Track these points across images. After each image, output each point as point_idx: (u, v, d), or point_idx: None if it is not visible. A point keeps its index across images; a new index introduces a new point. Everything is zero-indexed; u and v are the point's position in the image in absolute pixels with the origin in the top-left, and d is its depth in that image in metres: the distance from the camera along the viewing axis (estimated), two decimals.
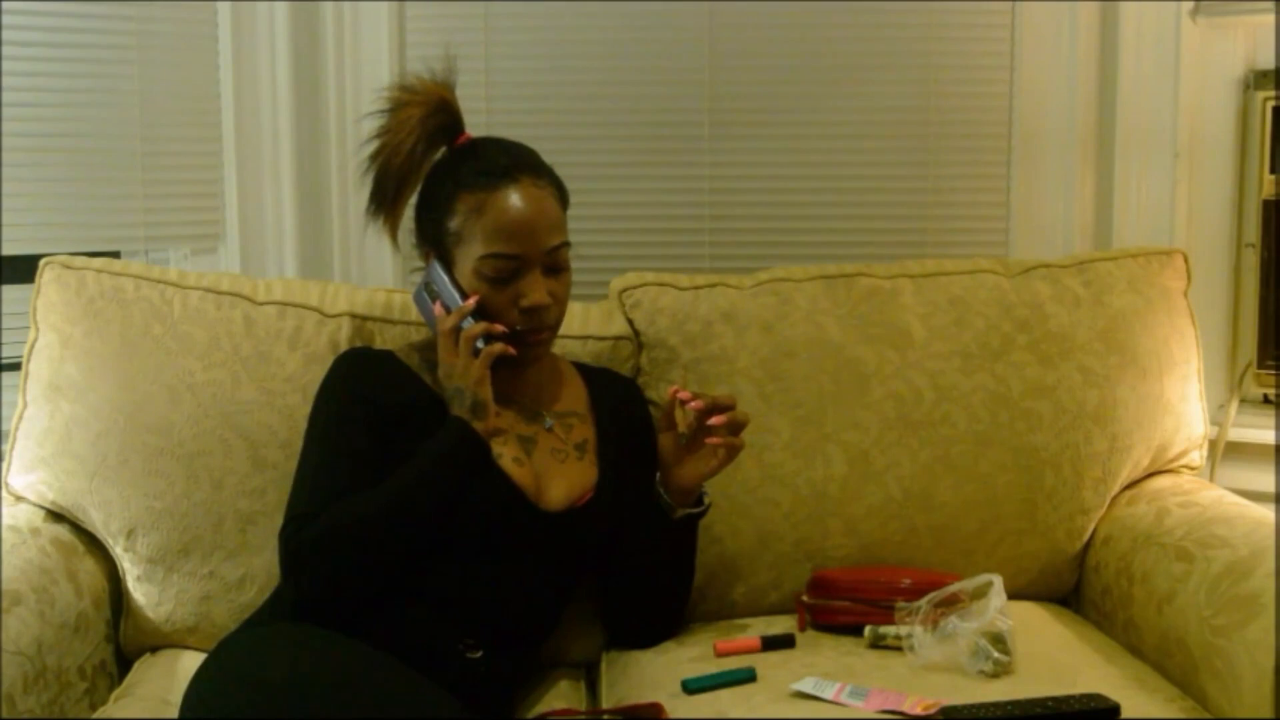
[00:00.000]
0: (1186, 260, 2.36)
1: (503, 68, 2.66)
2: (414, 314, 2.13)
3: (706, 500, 1.98)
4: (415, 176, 1.93)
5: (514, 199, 1.84)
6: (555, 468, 1.93)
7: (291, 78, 2.61)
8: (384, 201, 1.95)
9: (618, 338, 2.22)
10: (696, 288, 2.27)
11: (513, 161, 1.88)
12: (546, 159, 2.59)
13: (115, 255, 2.51)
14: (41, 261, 2.18)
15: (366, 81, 2.61)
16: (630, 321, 2.25)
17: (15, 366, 2.22)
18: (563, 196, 1.92)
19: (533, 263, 1.84)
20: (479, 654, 1.81)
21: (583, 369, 2.11)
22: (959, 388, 2.21)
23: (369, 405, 1.86)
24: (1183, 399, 2.31)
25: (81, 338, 2.12)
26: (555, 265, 1.87)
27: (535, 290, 1.84)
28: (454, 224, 1.86)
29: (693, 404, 1.88)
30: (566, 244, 1.88)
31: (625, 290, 2.27)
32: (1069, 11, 2.66)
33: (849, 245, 2.67)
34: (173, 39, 2.56)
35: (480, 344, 1.83)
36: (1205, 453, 2.38)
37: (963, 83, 2.70)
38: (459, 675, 1.77)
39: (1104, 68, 2.66)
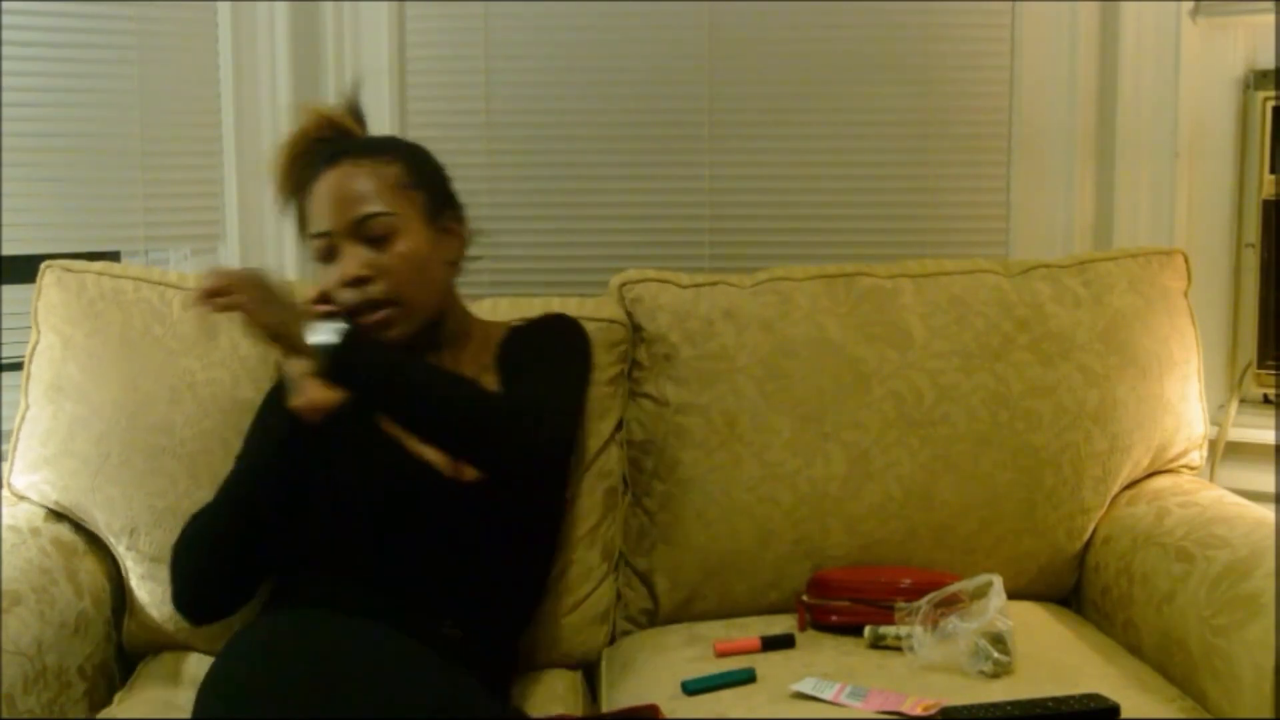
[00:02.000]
0: (1187, 260, 2.36)
1: (502, 67, 2.66)
2: None
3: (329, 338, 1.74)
4: (291, 185, 1.95)
5: (325, 180, 1.86)
6: None
7: (291, 78, 2.61)
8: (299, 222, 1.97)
9: (610, 320, 2.22)
10: (697, 285, 2.27)
11: (335, 150, 1.90)
12: (545, 157, 2.60)
13: (115, 255, 2.54)
14: (42, 265, 2.19)
15: (367, 82, 2.60)
16: (630, 314, 2.25)
17: (16, 366, 2.23)
18: (406, 170, 1.90)
19: (342, 235, 1.84)
20: (458, 631, 1.81)
21: (516, 329, 2.06)
22: (959, 387, 2.21)
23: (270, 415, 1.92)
24: (1183, 399, 2.31)
25: (83, 339, 2.14)
26: (372, 235, 1.84)
27: (349, 262, 1.83)
28: (305, 220, 1.92)
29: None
30: (384, 214, 1.85)
31: (625, 284, 2.28)
32: (1069, 11, 2.66)
33: (848, 245, 2.68)
34: (173, 39, 2.56)
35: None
36: (1205, 453, 2.38)
37: (963, 82, 2.70)
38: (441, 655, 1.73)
39: (1104, 68, 2.66)
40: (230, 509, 1.85)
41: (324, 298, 1.84)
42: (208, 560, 1.85)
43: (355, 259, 1.83)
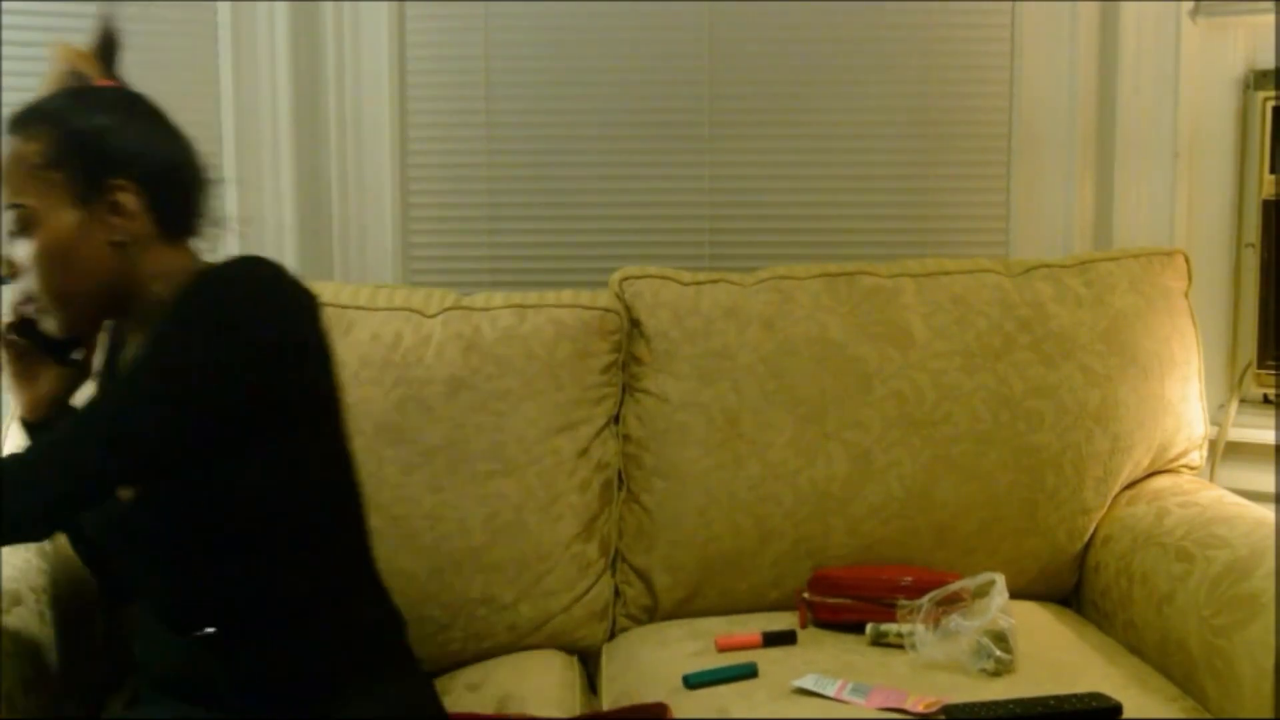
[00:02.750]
0: (1187, 260, 2.37)
1: (502, 67, 2.66)
2: (397, 303, 2.20)
3: None
4: None
5: None
6: None
7: (291, 78, 2.60)
8: None
9: (605, 309, 2.23)
10: (698, 283, 2.27)
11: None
12: (545, 156, 2.60)
13: None
14: None
15: (367, 82, 2.61)
16: (629, 309, 2.25)
17: None
18: (48, 146, 1.61)
19: None
20: (211, 630, 1.64)
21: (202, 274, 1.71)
22: (961, 387, 2.21)
23: None
24: (1183, 399, 2.31)
25: None
26: (14, 231, 1.59)
27: None
28: None
29: None
30: (13, 206, 1.59)
31: (625, 280, 2.28)
32: (1069, 11, 2.66)
33: (849, 244, 2.68)
34: (173, 39, 2.55)
35: None
36: (1205, 453, 2.39)
37: (963, 82, 2.70)
38: (193, 660, 1.65)
39: (1104, 68, 2.66)
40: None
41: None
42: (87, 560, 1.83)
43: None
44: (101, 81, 1.73)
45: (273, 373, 1.56)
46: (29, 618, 1.84)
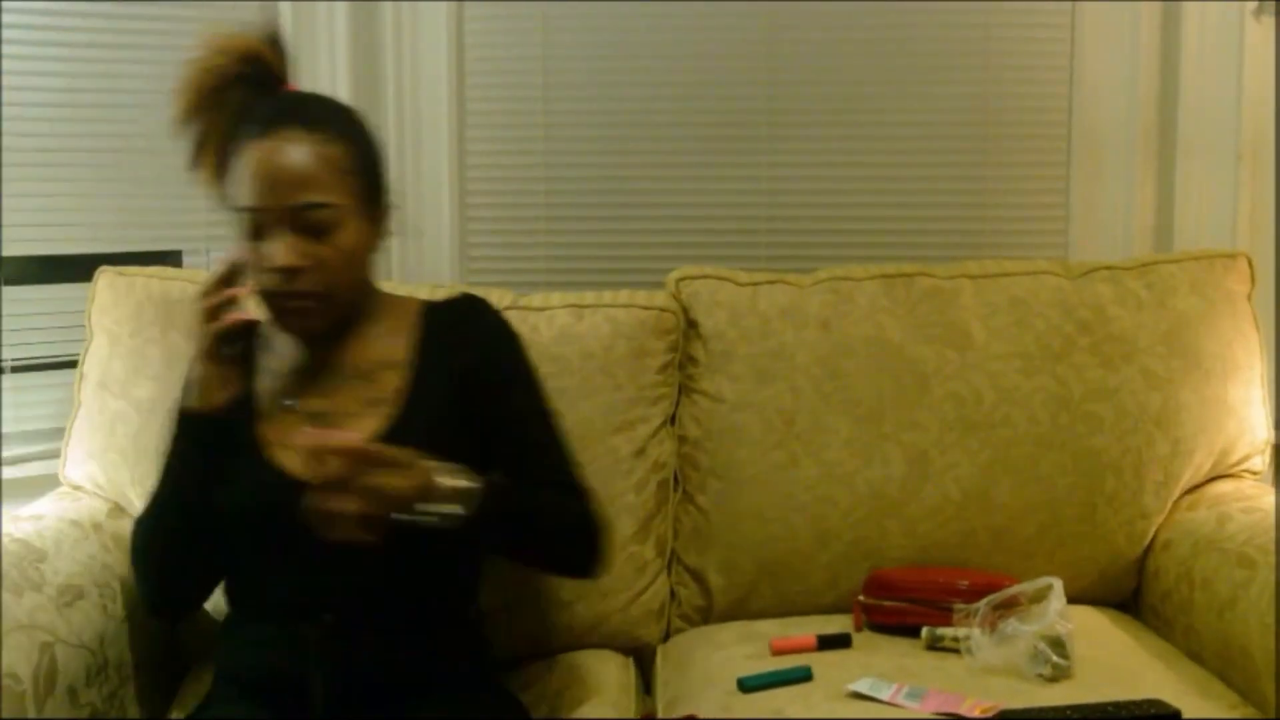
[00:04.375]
0: (1250, 263, 2.34)
1: (560, 68, 2.68)
2: None
3: (453, 510, 1.61)
4: (216, 128, 1.75)
5: (264, 149, 1.65)
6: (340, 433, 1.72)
7: (351, 78, 2.62)
8: (194, 153, 1.78)
9: (661, 309, 2.23)
10: (755, 284, 2.27)
11: (281, 111, 1.71)
12: (603, 157, 2.59)
13: (178, 254, 2.57)
14: (97, 270, 2.26)
15: (425, 82, 2.63)
16: (686, 309, 2.26)
17: (74, 364, 2.29)
18: (349, 153, 1.71)
19: (274, 219, 1.65)
20: (330, 618, 1.68)
21: (429, 309, 1.88)
22: (1019, 389, 2.20)
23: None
24: (1246, 403, 2.29)
25: (127, 338, 2.20)
26: (309, 226, 1.66)
27: (278, 251, 1.65)
28: (230, 180, 1.71)
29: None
30: (324, 205, 1.66)
31: (682, 280, 2.29)
32: (1130, 11, 2.64)
33: (906, 246, 2.67)
34: None
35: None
36: (1268, 458, 2.36)
37: (1022, 82, 2.69)
38: (320, 644, 1.68)
39: (1165, 67, 2.64)
40: (173, 514, 1.75)
41: (234, 271, 1.70)
42: (161, 564, 1.76)
43: (288, 248, 1.65)
44: (287, 85, 1.81)
45: None
46: (92, 611, 1.87)
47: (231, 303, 1.70)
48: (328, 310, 1.71)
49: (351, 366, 1.78)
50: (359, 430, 1.71)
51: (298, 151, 1.66)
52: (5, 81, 2.35)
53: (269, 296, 1.69)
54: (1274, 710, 1.79)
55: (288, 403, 1.77)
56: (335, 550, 1.55)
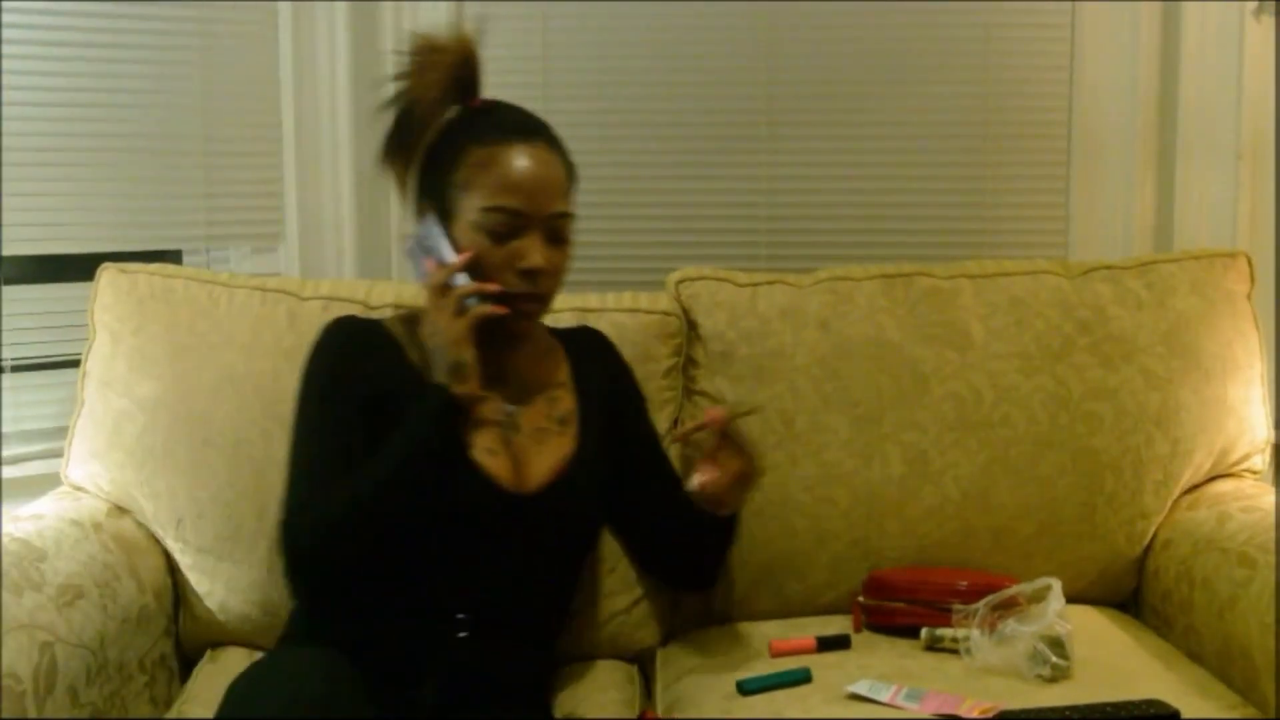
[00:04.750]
0: (1250, 263, 2.36)
1: (560, 67, 2.69)
2: None
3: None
4: (432, 127, 1.86)
5: (524, 155, 1.80)
6: (534, 448, 1.89)
7: (350, 78, 2.63)
8: (399, 148, 1.87)
9: (665, 313, 2.24)
10: (755, 285, 2.28)
11: (528, 123, 1.86)
12: (603, 156, 2.60)
13: (178, 254, 2.58)
14: (99, 267, 2.26)
15: None
16: (686, 311, 2.27)
17: (76, 363, 2.28)
18: (570, 173, 1.87)
19: (534, 223, 1.79)
20: (464, 634, 1.77)
21: (560, 336, 2.06)
22: (1019, 389, 2.21)
23: (359, 380, 1.82)
24: (1246, 403, 2.30)
25: (130, 336, 2.19)
26: (556, 234, 1.82)
27: (534, 252, 1.78)
28: (460, 175, 1.80)
29: (699, 478, 1.82)
30: (571, 215, 1.84)
31: (682, 281, 2.29)
32: (1130, 11, 2.65)
33: (906, 245, 2.68)
34: (234, 39, 2.58)
35: (469, 303, 1.77)
36: (1268, 457, 2.37)
37: (1022, 82, 2.70)
38: (450, 657, 1.75)
39: (1165, 68, 2.65)
40: (405, 491, 1.75)
41: (474, 266, 1.78)
42: (365, 536, 1.74)
43: (540, 251, 1.79)
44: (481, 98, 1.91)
45: None
46: (92, 611, 1.88)
47: (480, 295, 1.77)
48: (542, 313, 1.89)
49: (533, 382, 1.95)
50: (557, 446, 1.91)
51: (554, 163, 1.83)
52: (6, 81, 2.35)
53: (509, 296, 1.79)
54: (1274, 710, 1.79)
55: (510, 410, 1.89)
56: (491, 559, 1.77)
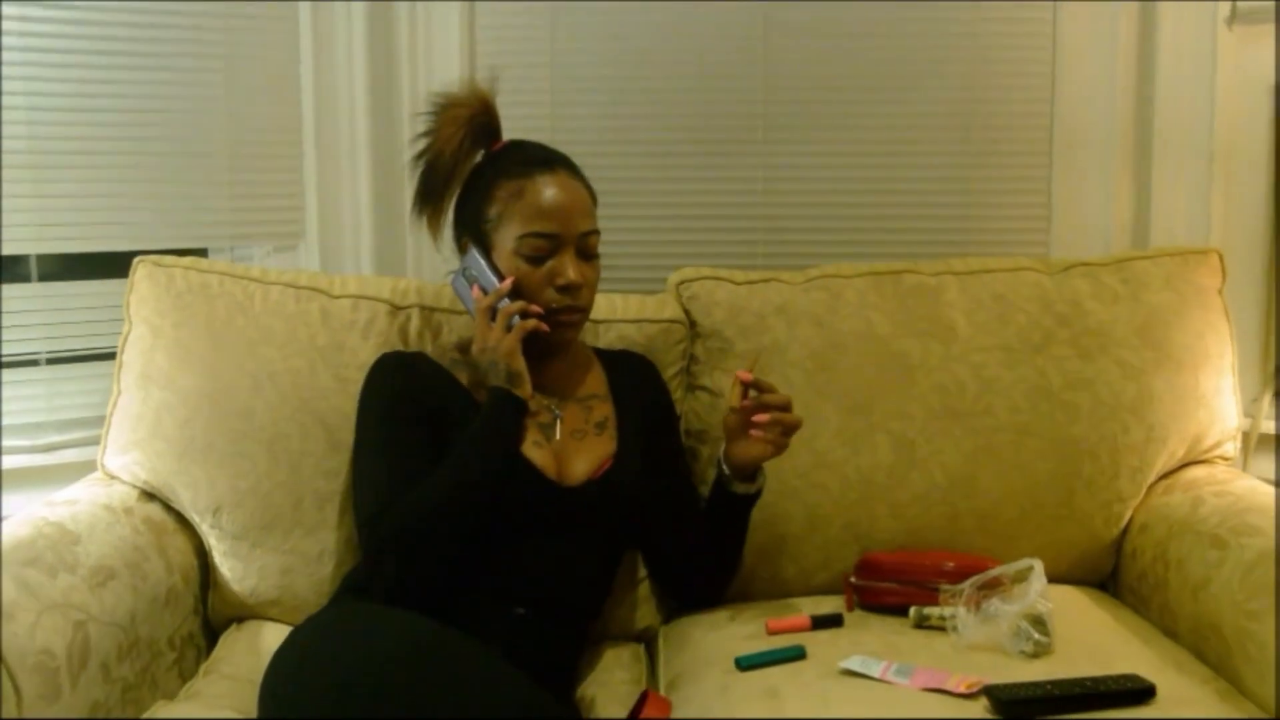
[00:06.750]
0: (1221, 259, 2.38)
1: (567, 65, 2.71)
2: None
3: (761, 480, 2.04)
4: (460, 173, 2.03)
5: (552, 184, 1.96)
6: (575, 446, 2.01)
7: (368, 79, 2.65)
8: (430, 197, 2.04)
9: (671, 321, 2.29)
10: (751, 283, 2.32)
11: (548, 154, 2.01)
12: (607, 158, 2.58)
13: (203, 252, 2.58)
14: (135, 260, 2.27)
15: (438, 82, 2.57)
16: (687, 311, 2.31)
17: (108, 356, 2.31)
18: (592, 194, 2.03)
19: (567, 243, 1.95)
20: (522, 611, 1.89)
21: (602, 355, 2.18)
22: (1001, 380, 2.25)
23: (414, 402, 1.96)
24: (1217, 392, 2.32)
25: (170, 329, 2.21)
26: (587, 250, 1.98)
27: (570, 269, 1.95)
28: (494, 210, 1.96)
29: (744, 403, 1.96)
30: (597, 232, 2.00)
31: (682, 283, 2.33)
32: (1109, 15, 2.66)
33: (896, 243, 2.70)
34: (257, 41, 2.60)
35: (515, 320, 1.93)
36: (1239, 444, 2.39)
37: (1005, 86, 2.71)
38: (508, 634, 1.85)
39: (1142, 71, 2.66)
40: (465, 495, 1.87)
41: (515, 289, 1.95)
42: (440, 550, 1.86)
43: (574, 268, 1.95)
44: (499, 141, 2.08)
45: None
46: (123, 591, 1.92)
47: (524, 313, 1.94)
48: (583, 322, 2.03)
49: (569, 390, 2.07)
50: (597, 445, 2.03)
51: (577, 187, 1.99)
52: (40, 88, 2.37)
53: (550, 312, 1.95)
54: (1244, 686, 1.82)
55: (557, 411, 2.03)
56: (547, 551, 1.88)
